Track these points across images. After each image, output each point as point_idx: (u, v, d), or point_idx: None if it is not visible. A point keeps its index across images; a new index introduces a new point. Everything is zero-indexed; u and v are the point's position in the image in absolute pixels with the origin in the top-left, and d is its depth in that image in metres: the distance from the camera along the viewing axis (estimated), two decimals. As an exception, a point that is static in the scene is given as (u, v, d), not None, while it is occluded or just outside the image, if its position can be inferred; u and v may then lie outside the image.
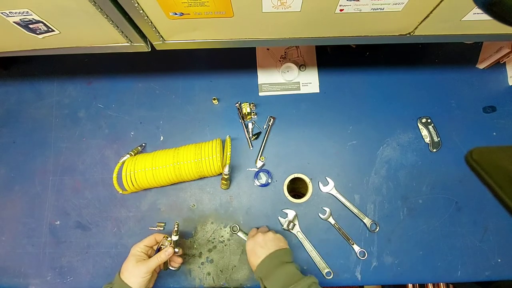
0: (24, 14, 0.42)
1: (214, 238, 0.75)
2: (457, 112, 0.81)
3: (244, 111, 0.79)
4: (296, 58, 0.84)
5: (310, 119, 0.81)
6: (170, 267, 0.65)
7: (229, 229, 0.75)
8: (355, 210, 0.75)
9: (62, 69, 0.86)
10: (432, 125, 0.79)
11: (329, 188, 0.76)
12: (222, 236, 0.75)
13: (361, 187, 0.77)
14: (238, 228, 0.74)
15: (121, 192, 0.74)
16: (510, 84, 0.82)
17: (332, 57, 0.84)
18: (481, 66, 0.83)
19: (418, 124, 0.80)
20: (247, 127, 0.80)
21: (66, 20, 0.45)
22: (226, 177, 0.70)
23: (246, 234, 0.72)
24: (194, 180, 0.77)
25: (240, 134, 0.80)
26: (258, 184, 0.77)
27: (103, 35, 0.49)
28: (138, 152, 0.77)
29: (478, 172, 0.30)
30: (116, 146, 0.80)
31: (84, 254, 0.75)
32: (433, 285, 1.03)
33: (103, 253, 0.75)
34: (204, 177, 0.77)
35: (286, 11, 0.43)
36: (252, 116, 0.80)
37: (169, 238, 0.63)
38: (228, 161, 0.73)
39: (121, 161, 0.73)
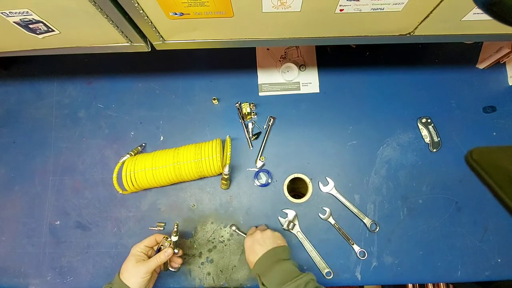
0: (24, 14, 0.42)
1: (214, 238, 0.75)
2: (457, 112, 0.81)
3: (244, 111, 0.79)
4: (296, 58, 0.84)
5: (310, 119, 0.81)
6: (170, 268, 0.65)
7: (229, 229, 0.75)
8: (355, 210, 0.75)
9: (62, 69, 0.86)
10: (432, 125, 0.79)
11: (329, 188, 0.76)
12: (222, 236, 0.75)
13: (361, 187, 0.77)
14: (236, 227, 0.74)
15: (121, 192, 0.74)
16: (510, 84, 0.82)
17: (332, 57, 0.84)
18: (481, 66, 0.83)
19: (418, 124, 0.80)
20: (247, 127, 0.80)
21: (66, 20, 0.45)
22: (226, 177, 0.70)
23: (245, 233, 0.72)
24: (194, 180, 0.77)
25: (240, 134, 0.80)
26: (258, 184, 0.77)
27: (103, 35, 0.49)
28: (138, 152, 0.77)
29: (478, 172, 0.30)
30: (116, 146, 0.80)
31: (84, 254, 0.75)
32: (433, 285, 1.03)
33: (103, 253, 0.75)
34: (204, 177, 0.77)
35: (286, 11, 0.43)
36: (252, 116, 0.80)
37: (169, 239, 0.63)
38: (228, 161, 0.73)
39: (121, 161, 0.73)
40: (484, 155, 0.31)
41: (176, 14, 0.43)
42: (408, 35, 0.51)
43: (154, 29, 0.47)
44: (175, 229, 0.63)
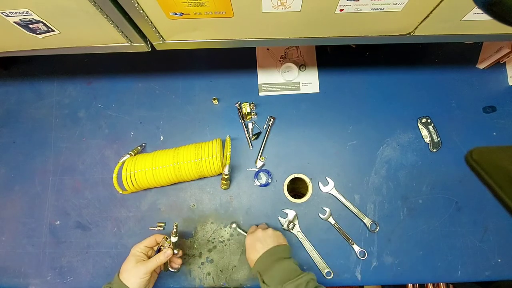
0: (24, 14, 0.42)
1: (214, 238, 0.75)
2: (457, 112, 0.81)
3: (244, 111, 0.79)
4: (296, 58, 0.84)
5: (310, 119, 0.81)
6: (170, 269, 0.65)
7: (229, 229, 0.75)
8: (355, 210, 0.75)
9: (62, 69, 0.86)
10: (432, 125, 0.79)
11: (329, 188, 0.76)
12: (222, 236, 0.75)
13: (361, 187, 0.77)
14: (237, 224, 0.74)
15: (121, 192, 0.74)
16: (510, 84, 0.82)
17: (332, 57, 0.84)
18: (481, 66, 0.83)
19: (418, 124, 0.80)
20: (247, 127, 0.80)
21: (66, 20, 0.45)
22: (226, 177, 0.70)
23: (245, 232, 0.72)
24: (194, 180, 0.77)
25: (240, 134, 0.80)
26: (258, 184, 0.77)
27: (103, 35, 0.49)
28: (138, 152, 0.77)
29: (478, 172, 0.30)
30: (116, 146, 0.80)
31: (84, 254, 0.75)
32: (433, 285, 1.03)
33: (103, 253, 0.75)
34: (204, 177, 0.77)
35: (286, 11, 0.43)
36: (252, 116, 0.80)
37: (168, 239, 0.63)
38: (228, 161, 0.73)
39: (121, 161, 0.73)
40: (484, 155, 0.31)
41: (176, 14, 0.43)
42: (408, 35, 0.51)
43: (154, 29, 0.47)
44: (175, 230, 0.62)
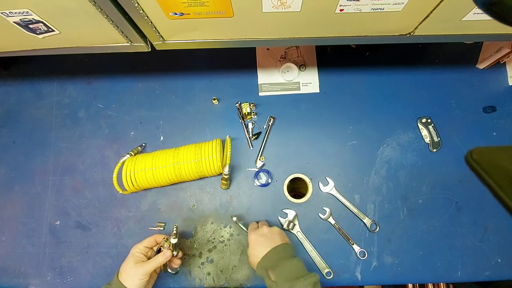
0: (24, 14, 0.42)
1: (214, 238, 0.75)
2: (457, 112, 0.81)
3: (244, 111, 0.79)
4: (296, 58, 0.84)
5: (310, 119, 0.81)
6: (169, 269, 0.65)
7: (229, 229, 0.75)
8: (355, 210, 0.75)
9: (62, 69, 0.86)
10: (432, 125, 0.79)
11: (329, 188, 0.76)
12: (222, 236, 0.75)
13: (361, 187, 0.77)
14: (238, 218, 0.73)
15: (121, 192, 0.74)
16: (510, 84, 0.82)
17: (332, 57, 0.84)
18: (481, 66, 0.83)
19: (418, 124, 0.80)
20: (247, 127, 0.80)
21: (66, 20, 0.45)
22: (226, 177, 0.70)
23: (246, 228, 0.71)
24: (194, 180, 0.77)
25: (240, 134, 0.80)
26: (258, 184, 0.77)
27: (103, 35, 0.49)
28: (138, 152, 0.77)
29: (478, 172, 0.30)
30: (116, 146, 0.80)
31: (84, 254, 0.75)
32: (433, 285, 1.03)
33: (103, 253, 0.75)
34: (204, 177, 0.77)
35: (286, 11, 0.43)
36: (252, 116, 0.80)
37: (168, 240, 0.63)
38: (228, 161, 0.73)
39: (121, 161, 0.73)
40: (484, 155, 0.31)
41: (176, 14, 0.43)
42: (408, 35, 0.51)
43: (154, 29, 0.47)
44: (175, 232, 0.62)
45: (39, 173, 0.79)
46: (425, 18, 0.47)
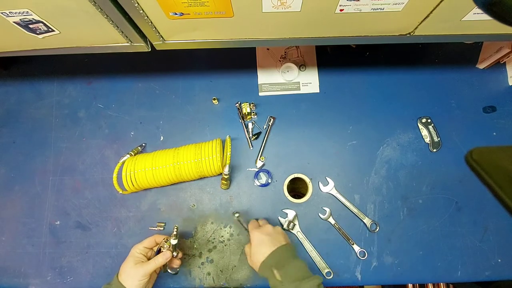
0: (24, 14, 0.42)
1: (214, 238, 0.75)
2: (457, 112, 0.81)
3: (244, 111, 0.79)
4: (296, 58, 0.84)
5: (310, 119, 0.81)
6: (169, 270, 0.65)
7: (229, 229, 0.75)
8: (355, 210, 0.75)
9: (62, 69, 0.86)
10: (432, 125, 0.79)
11: (329, 188, 0.76)
12: (222, 236, 0.75)
13: (361, 187, 0.77)
14: (240, 214, 0.72)
15: (121, 192, 0.74)
16: (510, 84, 0.82)
17: (332, 57, 0.84)
18: (481, 66, 0.83)
19: (418, 124, 0.80)
20: (247, 127, 0.80)
21: (66, 20, 0.45)
22: (226, 177, 0.70)
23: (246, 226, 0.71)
24: (194, 180, 0.77)
25: (240, 134, 0.80)
26: (258, 184, 0.77)
27: (103, 35, 0.49)
28: (138, 152, 0.77)
29: (478, 172, 0.30)
30: (116, 146, 0.80)
31: (84, 254, 0.75)
32: (433, 285, 1.03)
33: (103, 253, 0.75)
34: (204, 177, 0.77)
35: (286, 11, 0.43)
36: (252, 116, 0.80)
37: (168, 241, 0.62)
38: (228, 161, 0.73)
39: (121, 161, 0.73)
40: (484, 155, 0.31)
41: (176, 14, 0.43)
42: (408, 35, 0.51)
43: (154, 29, 0.47)
44: (175, 233, 0.62)
45: (39, 173, 0.79)
46: (425, 18, 0.47)
